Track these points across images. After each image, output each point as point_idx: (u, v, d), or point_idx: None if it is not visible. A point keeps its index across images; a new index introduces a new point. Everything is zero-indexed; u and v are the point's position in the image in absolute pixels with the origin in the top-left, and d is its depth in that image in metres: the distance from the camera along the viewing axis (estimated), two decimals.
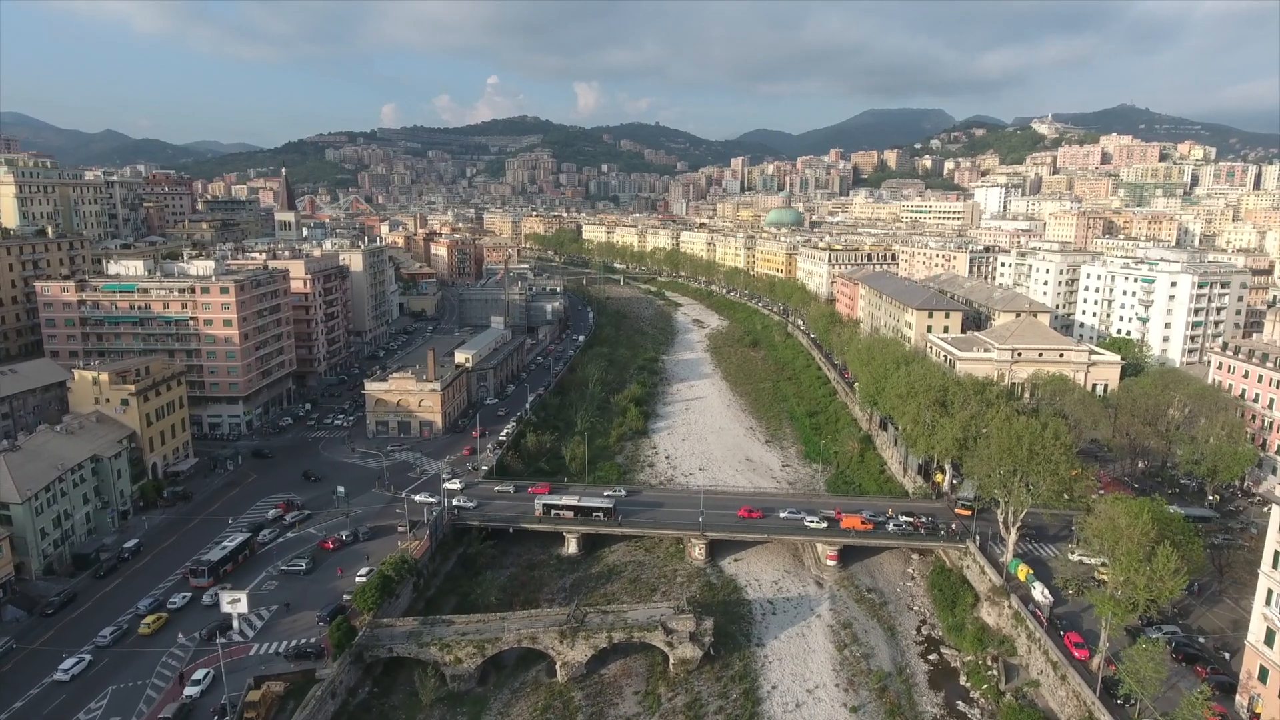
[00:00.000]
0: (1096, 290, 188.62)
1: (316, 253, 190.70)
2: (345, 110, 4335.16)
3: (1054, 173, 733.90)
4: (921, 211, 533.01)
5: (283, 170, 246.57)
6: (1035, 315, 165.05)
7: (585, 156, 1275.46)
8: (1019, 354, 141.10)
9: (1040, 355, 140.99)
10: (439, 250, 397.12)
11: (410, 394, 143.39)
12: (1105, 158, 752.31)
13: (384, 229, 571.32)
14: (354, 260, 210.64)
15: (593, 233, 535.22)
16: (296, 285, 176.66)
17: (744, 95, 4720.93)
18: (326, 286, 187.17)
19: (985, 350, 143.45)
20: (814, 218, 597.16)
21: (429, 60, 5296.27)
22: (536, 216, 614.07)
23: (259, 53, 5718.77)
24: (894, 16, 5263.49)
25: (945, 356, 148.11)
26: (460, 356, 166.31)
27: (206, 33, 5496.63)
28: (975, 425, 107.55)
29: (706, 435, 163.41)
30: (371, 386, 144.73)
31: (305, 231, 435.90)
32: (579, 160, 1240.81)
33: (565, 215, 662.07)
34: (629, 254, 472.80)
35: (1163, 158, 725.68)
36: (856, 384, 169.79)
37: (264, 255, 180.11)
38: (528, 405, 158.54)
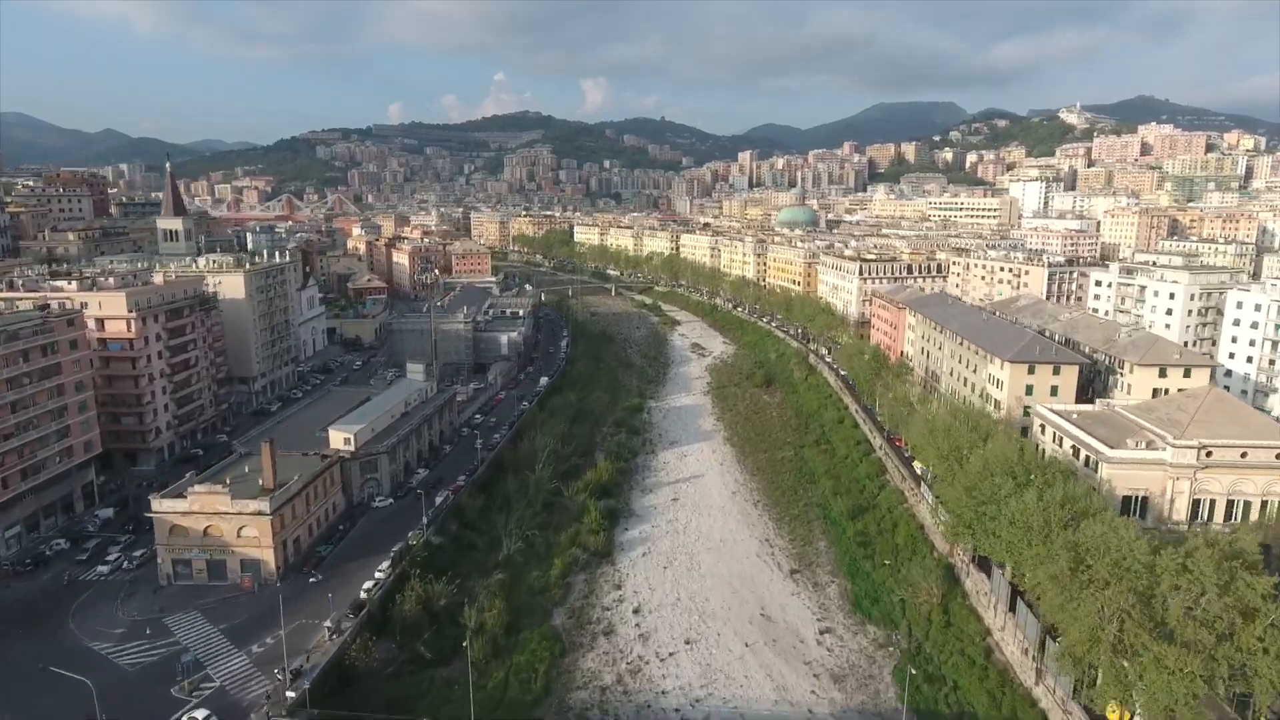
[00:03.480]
0: (1254, 327, 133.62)
1: (158, 279, 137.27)
2: (352, 110, 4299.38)
3: (1089, 165, 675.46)
4: (952, 209, 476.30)
5: (167, 165, 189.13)
6: (1188, 372, 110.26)
7: (587, 153, 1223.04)
8: (1208, 454, 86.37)
9: (1244, 456, 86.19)
10: (400, 258, 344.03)
11: (224, 518, 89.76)
12: (1145, 149, 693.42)
13: (356, 230, 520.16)
14: (231, 284, 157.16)
15: (585, 234, 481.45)
16: (116, 328, 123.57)
17: (750, 90, 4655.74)
18: (173, 326, 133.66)
19: (1148, 445, 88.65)
20: (830, 216, 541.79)
21: (433, 59, 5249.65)
22: (525, 216, 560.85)
23: (261, 52, 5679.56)
24: (899, 10, 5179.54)
25: (1074, 447, 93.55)
26: (337, 436, 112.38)
27: (207, 32, 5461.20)
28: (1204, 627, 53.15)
29: (701, 555, 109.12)
30: (163, 506, 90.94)
31: (252, 239, 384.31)
32: (580, 156, 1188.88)
33: (558, 215, 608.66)
34: (623, 259, 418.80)
35: (1208, 149, 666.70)
36: (927, 476, 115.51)
37: (72, 284, 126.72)
38: (424, 521, 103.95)
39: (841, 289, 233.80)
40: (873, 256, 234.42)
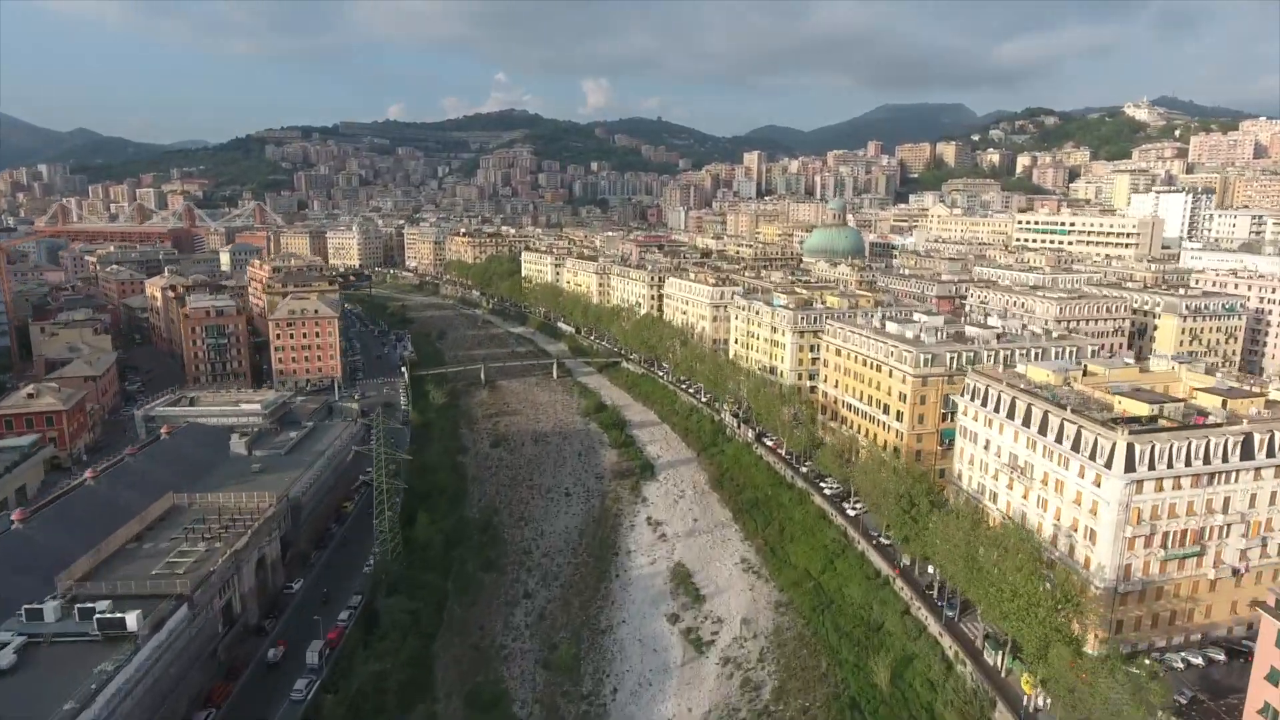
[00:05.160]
0: None
1: None
2: (350, 109, 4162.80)
3: (1187, 170, 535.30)
4: (1054, 230, 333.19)
5: None
6: None
7: (574, 153, 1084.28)
8: None
9: None
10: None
11: None
12: (1258, 150, 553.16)
13: (224, 260, 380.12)
14: None
15: (534, 266, 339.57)
16: None
17: (749, 90, 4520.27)
18: None
19: None
20: (873, 237, 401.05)
21: (430, 59, 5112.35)
22: (464, 236, 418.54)
23: (242, 49, 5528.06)
24: (901, 6, 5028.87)
25: None
26: None
27: (181, 27, 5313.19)
28: None
29: None
30: None
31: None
32: (566, 158, 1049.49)
33: (513, 233, 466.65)
34: (583, 308, 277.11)
35: None
36: None
37: None
38: None
39: (1050, 483, 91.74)
40: (1145, 412, 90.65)
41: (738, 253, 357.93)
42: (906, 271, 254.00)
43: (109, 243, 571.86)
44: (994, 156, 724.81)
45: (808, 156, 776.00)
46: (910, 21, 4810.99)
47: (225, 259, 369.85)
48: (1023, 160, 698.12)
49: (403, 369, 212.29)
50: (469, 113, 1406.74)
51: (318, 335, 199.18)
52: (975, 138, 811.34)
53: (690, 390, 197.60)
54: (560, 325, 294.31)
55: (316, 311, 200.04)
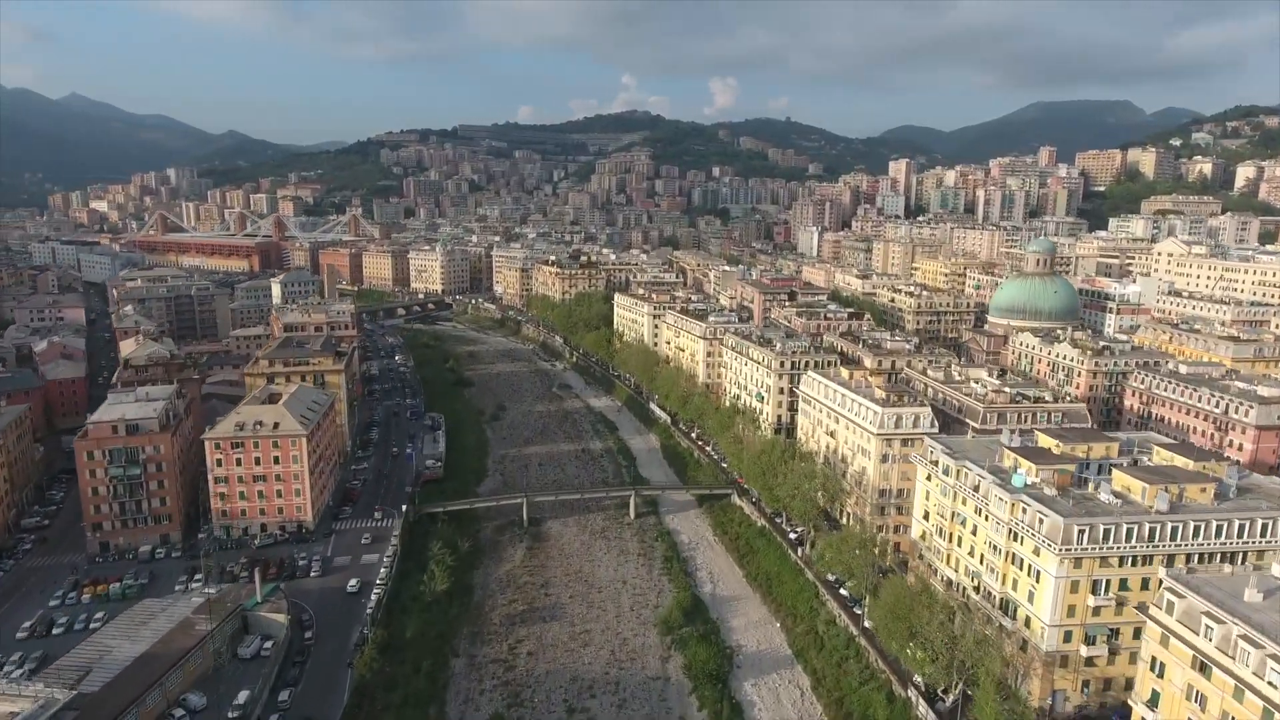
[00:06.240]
0: None
1: None
2: (481, 112, 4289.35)
3: None
4: None
5: None
6: None
7: (695, 157, 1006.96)
8: None
9: None
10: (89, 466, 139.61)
11: None
12: None
13: (276, 292, 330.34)
14: None
15: (628, 315, 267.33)
16: None
17: (880, 88, 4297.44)
18: None
19: None
20: (1077, 282, 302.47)
21: (554, 62, 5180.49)
22: (551, 267, 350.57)
23: (377, 53, 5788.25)
24: None
25: None
26: None
27: (320, 34, 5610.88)
28: None
29: None
30: None
31: None
32: (686, 162, 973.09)
33: (614, 258, 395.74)
34: (683, 395, 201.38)
35: None
36: None
37: None
38: None
39: None
40: None
41: (893, 302, 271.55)
42: (1184, 368, 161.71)
43: (196, 255, 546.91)
44: (1204, 166, 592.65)
45: (966, 165, 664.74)
46: (1062, 14, 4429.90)
47: (277, 291, 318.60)
48: (1244, 171, 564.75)
49: (405, 505, 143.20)
50: (592, 115, 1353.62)
51: (277, 461, 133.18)
52: (1176, 142, 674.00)
53: (842, 587, 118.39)
54: (652, 410, 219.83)
55: (276, 426, 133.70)
